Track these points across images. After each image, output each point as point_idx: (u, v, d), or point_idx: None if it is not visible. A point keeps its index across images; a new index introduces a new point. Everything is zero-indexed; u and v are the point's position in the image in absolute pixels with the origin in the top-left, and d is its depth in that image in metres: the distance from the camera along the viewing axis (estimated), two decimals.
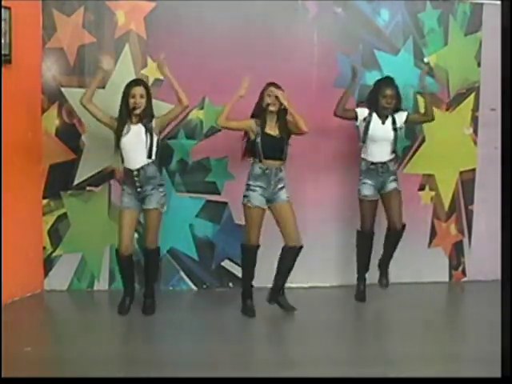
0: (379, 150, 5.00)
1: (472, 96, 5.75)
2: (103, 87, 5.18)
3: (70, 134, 5.22)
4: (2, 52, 4.66)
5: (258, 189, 4.67)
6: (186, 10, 5.25)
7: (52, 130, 5.20)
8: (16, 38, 4.78)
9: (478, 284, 5.82)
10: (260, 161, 4.66)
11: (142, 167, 4.59)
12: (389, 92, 4.93)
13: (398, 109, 5.04)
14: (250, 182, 4.69)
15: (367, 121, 4.99)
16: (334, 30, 5.46)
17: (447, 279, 5.89)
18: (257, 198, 4.66)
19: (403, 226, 5.13)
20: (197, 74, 5.22)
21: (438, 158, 5.45)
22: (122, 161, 4.66)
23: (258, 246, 4.78)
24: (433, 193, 5.78)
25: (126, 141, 4.57)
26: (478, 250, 5.88)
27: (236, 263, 5.48)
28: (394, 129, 5.00)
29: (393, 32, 5.55)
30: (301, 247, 4.73)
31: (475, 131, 5.80)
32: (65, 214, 5.28)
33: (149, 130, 4.58)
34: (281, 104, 4.61)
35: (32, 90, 5.09)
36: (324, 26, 5.44)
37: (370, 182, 5.03)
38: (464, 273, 5.93)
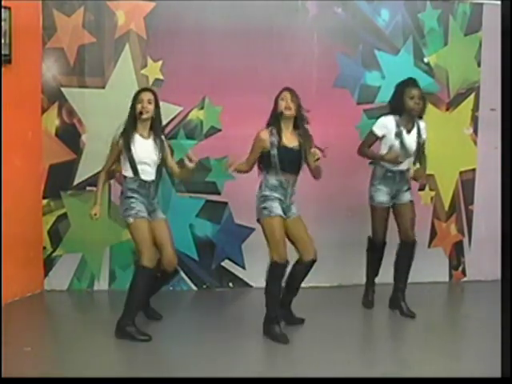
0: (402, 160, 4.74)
1: (472, 96, 5.75)
2: (103, 87, 5.19)
3: (70, 134, 5.22)
4: (2, 52, 4.66)
5: (276, 200, 4.31)
6: (186, 10, 5.25)
7: (52, 130, 5.21)
8: (16, 38, 4.78)
9: (477, 284, 5.81)
10: (277, 173, 4.32)
11: (154, 180, 4.40)
12: (416, 92, 4.64)
13: (421, 115, 4.78)
14: (267, 193, 4.31)
15: (394, 137, 4.68)
16: (334, 30, 5.45)
17: (447, 279, 5.89)
18: (278, 208, 4.30)
19: (415, 241, 4.85)
20: (197, 74, 5.23)
21: (438, 158, 5.44)
22: (135, 172, 4.33)
23: (287, 262, 4.32)
24: (433, 193, 5.78)
25: (143, 154, 4.33)
26: (477, 250, 5.88)
27: (236, 263, 5.49)
28: (419, 139, 4.73)
29: (393, 32, 5.55)
30: (314, 261, 4.42)
31: (475, 131, 5.80)
32: (65, 214, 5.28)
33: (161, 145, 4.42)
34: (297, 109, 4.32)
35: (32, 89, 5.09)
36: (324, 26, 5.44)
37: (385, 188, 4.77)
38: (464, 273, 5.93)
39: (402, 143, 4.69)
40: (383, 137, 4.75)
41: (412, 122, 4.75)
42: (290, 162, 4.32)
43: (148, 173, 4.37)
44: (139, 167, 4.33)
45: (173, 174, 4.65)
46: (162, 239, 4.37)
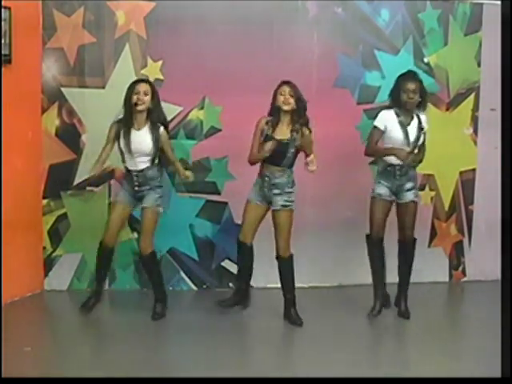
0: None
1: (472, 96, 5.75)
2: (103, 87, 5.19)
3: (70, 134, 5.22)
4: (2, 52, 4.66)
5: (256, 187, 4.63)
6: (186, 10, 5.25)
7: (52, 130, 5.20)
8: (16, 38, 4.78)
9: (477, 284, 5.82)
10: (261, 163, 4.60)
11: (143, 169, 4.57)
12: (411, 86, 4.62)
13: (423, 108, 4.75)
14: (254, 181, 4.65)
15: (395, 127, 4.67)
16: (334, 30, 5.45)
17: (447, 279, 5.89)
18: (252, 194, 4.63)
19: (414, 240, 4.86)
20: (197, 74, 5.22)
21: (438, 158, 5.45)
22: (123, 160, 4.64)
23: (249, 244, 4.68)
24: (433, 193, 5.78)
25: (132, 145, 4.51)
26: (477, 249, 5.88)
27: (236, 263, 5.48)
28: (420, 130, 4.68)
29: (393, 32, 5.55)
30: (289, 257, 4.59)
31: (475, 131, 5.80)
32: (65, 214, 5.27)
33: (156, 137, 4.53)
34: (296, 102, 4.46)
35: (32, 89, 5.08)
36: (324, 26, 5.44)
37: (385, 183, 4.74)
38: (464, 273, 5.93)
39: (406, 134, 4.65)
40: (385, 130, 4.71)
41: (410, 115, 4.72)
42: (274, 154, 4.46)
43: (135, 163, 4.56)
44: (126, 157, 4.57)
45: (167, 161, 4.71)
46: (141, 226, 4.68)
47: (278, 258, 4.64)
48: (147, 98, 4.49)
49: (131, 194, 4.63)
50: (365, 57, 5.52)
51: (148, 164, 4.58)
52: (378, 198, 4.77)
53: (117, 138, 4.56)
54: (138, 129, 4.54)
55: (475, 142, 5.81)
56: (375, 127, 4.74)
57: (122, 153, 4.59)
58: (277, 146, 4.46)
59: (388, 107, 4.79)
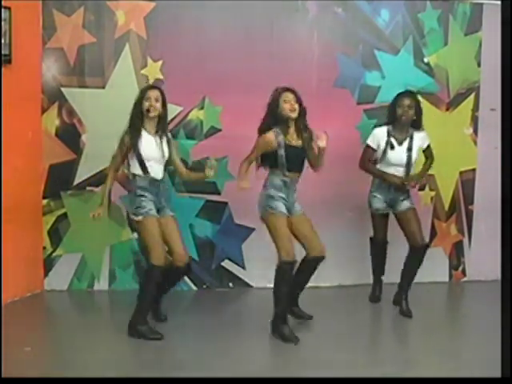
0: (394, 170, 4.85)
1: (472, 96, 5.75)
2: (103, 87, 5.19)
3: (70, 134, 5.22)
4: (2, 52, 4.66)
5: (281, 199, 4.33)
6: (186, 10, 5.25)
7: (52, 130, 5.20)
8: (16, 38, 4.78)
9: (477, 284, 5.82)
10: (283, 173, 4.33)
11: (162, 178, 4.39)
12: (406, 102, 4.76)
13: (417, 126, 4.85)
14: (272, 193, 4.32)
15: (384, 146, 4.82)
16: (334, 30, 5.46)
17: (447, 279, 5.89)
18: (283, 207, 4.32)
19: (427, 245, 4.97)
20: (197, 74, 5.23)
21: (438, 158, 5.43)
22: (144, 170, 4.30)
23: (295, 261, 4.29)
24: (433, 193, 5.78)
25: (150, 151, 4.31)
26: (477, 249, 5.88)
27: (236, 263, 5.49)
28: (409, 150, 4.81)
29: (393, 32, 5.56)
30: (323, 257, 4.43)
31: (475, 131, 5.81)
32: (65, 214, 5.28)
33: (168, 143, 4.41)
34: (300, 109, 4.32)
35: (32, 90, 5.09)
36: (324, 26, 5.44)
37: (380, 196, 4.92)
38: (464, 273, 5.93)
39: (385, 153, 4.83)
40: (378, 148, 4.89)
41: (405, 132, 4.84)
42: (296, 160, 4.38)
43: (156, 171, 4.34)
44: (148, 164, 4.31)
45: (179, 174, 4.59)
46: (170, 236, 4.34)
47: (312, 258, 4.41)
48: (158, 105, 4.32)
49: (156, 204, 4.34)
50: (365, 57, 5.52)
51: (162, 173, 4.39)
52: (376, 213, 5.01)
53: (134, 146, 4.27)
54: (153, 135, 4.35)
55: (475, 142, 5.81)
56: (367, 146, 4.94)
57: (143, 161, 4.28)
58: (295, 153, 4.34)
59: (381, 125, 4.95)
